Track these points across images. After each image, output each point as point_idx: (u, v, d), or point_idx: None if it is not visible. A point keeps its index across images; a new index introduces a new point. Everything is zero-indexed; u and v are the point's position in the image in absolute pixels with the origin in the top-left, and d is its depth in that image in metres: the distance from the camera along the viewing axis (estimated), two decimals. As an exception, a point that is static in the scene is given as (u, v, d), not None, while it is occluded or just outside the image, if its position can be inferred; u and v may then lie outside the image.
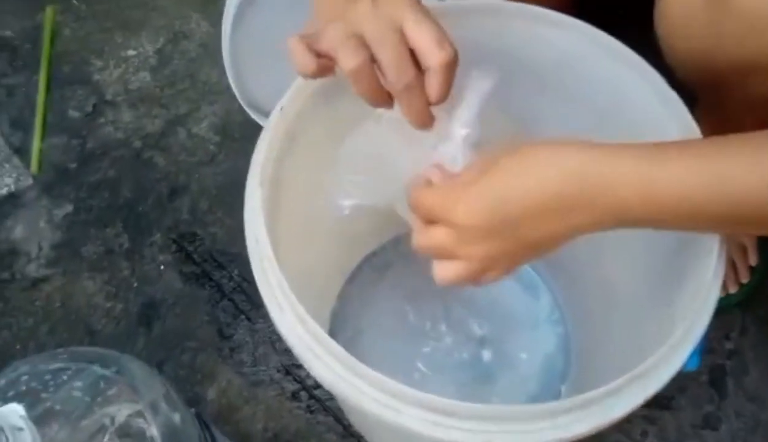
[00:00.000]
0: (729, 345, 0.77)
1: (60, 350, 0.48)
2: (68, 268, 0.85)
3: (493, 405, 0.41)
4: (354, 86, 0.43)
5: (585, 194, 0.39)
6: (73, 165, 0.92)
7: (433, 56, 0.41)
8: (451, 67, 0.42)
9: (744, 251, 0.75)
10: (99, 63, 0.99)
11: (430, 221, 0.44)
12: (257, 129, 0.88)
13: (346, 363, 0.41)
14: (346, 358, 0.41)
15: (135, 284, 0.84)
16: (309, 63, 0.44)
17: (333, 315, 0.79)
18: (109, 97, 0.96)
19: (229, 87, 0.86)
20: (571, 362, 0.77)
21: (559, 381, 0.76)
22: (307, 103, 0.53)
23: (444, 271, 0.45)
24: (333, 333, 0.78)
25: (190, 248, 0.86)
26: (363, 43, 0.42)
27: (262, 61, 0.85)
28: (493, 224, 0.41)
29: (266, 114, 0.86)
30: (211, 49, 0.98)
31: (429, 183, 0.46)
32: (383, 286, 0.80)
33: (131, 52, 1.00)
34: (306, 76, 0.45)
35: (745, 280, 0.75)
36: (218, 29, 0.87)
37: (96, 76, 0.98)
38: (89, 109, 0.96)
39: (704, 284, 0.45)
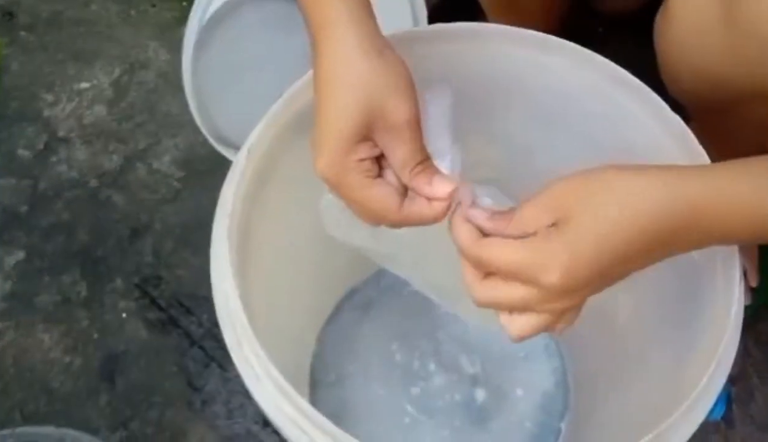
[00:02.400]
0: (732, 371, 0.73)
1: (5, 431, 0.42)
2: (21, 320, 0.79)
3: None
4: None
5: (691, 221, 0.37)
6: (24, 208, 0.85)
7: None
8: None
9: (744, 272, 0.71)
10: (50, 98, 0.93)
11: (493, 274, 0.39)
12: (223, 162, 0.84)
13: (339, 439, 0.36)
14: (339, 434, 0.36)
15: (95, 336, 0.77)
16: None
17: (314, 359, 0.74)
18: (61, 133, 0.90)
19: (191, 118, 0.81)
20: (569, 398, 0.72)
21: (558, 419, 0.71)
22: (277, 140, 0.49)
23: (520, 328, 0.39)
24: (314, 378, 0.73)
25: (155, 293, 0.80)
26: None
27: (226, 89, 0.80)
28: (590, 280, 0.37)
29: (232, 145, 0.82)
30: (171, 78, 0.93)
31: (477, 235, 0.39)
32: (366, 325, 0.76)
33: (84, 85, 0.94)
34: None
35: (746, 302, 0.72)
36: (177, 57, 0.82)
37: (47, 112, 0.92)
38: (40, 147, 0.89)
39: (727, 323, 0.41)
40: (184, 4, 0.98)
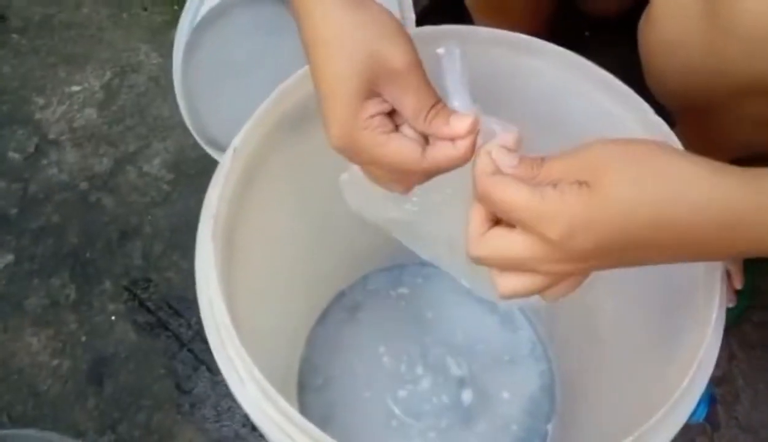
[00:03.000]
0: (717, 373, 0.74)
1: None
2: (9, 323, 0.78)
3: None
4: None
5: (729, 224, 0.34)
6: (14, 211, 0.85)
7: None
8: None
9: (729, 274, 0.72)
10: (41, 101, 0.93)
11: (498, 219, 0.36)
12: (213, 164, 0.83)
13: None
14: (322, 438, 0.36)
15: (83, 339, 0.77)
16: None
17: (302, 361, 0.74)
18: (52, 136, 0.90)
19: (181, 121, 0.81)
20: (556, 401, 0.73)
21: (544, 421, 0.72)
22: (264, 140, 0.49)
23: (511, 286, 0.37)
24: (302, 382, 0.73)
25: (144, 296, 0.80)
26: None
27: (217, 92, 0.80)
28: (597, 254, 0.34)
29: (223, 148, 0.82)
30: (162, 81, 0.93)
31: (495, 169, 0.36)
32: (354, 327, 0.76)
33: (76, 88, 0.94)
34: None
35: (731, 304, 0.72)
36: (168, 61, 0.82)
37: (38, 115, 0.92)
38: (31, 150, 0.89)
39: (708, 325, 0.42)
40: (176, 7, 0.98)
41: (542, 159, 0.37)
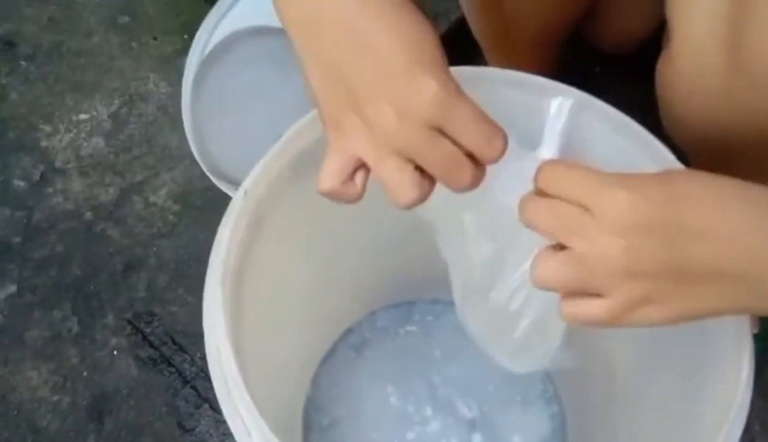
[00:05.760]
0: (735, 419, 0.72)
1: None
2: (10, 356, 0.77)
3: None
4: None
5: None
6: (17, 240, 0.84)
7: (484, 158, 0.38)
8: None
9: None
10: (48, 128, 0.92)
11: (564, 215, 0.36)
12: (220, 196, 0.83)
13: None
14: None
15: (85, 373, 0.76)
16: (354, 194, 0.40)
17: (307, 401, 0.72)
18: (58, 164, 0.89)
19: (189, 152, 0.81)
20: (568, 445, 0.71)
21: (556, 467, 0.70)
22: (275, 182, 0.48)
23: (580, 310, 0.36)
24: (308, 422, 0.71)
25: (147, 330, 0.78)
26: (403, 162, 0.37)
27: (226, 123, 0.80)
28: (655, 223, 0.34)
29: (230, 180, 0.81)
30: (171, 111, 0.92)
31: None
32: (361, 366, 0.74)
33: (83, 116, 0.93)
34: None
35: (748, 349, 0.70)
36: (177, 90, 0.81)
37: (44, 143, 0.91)
38: (36, 178, 0.88)
39: (737, 391, 0.40)
40: (185, 37, 0.98)
41: None
